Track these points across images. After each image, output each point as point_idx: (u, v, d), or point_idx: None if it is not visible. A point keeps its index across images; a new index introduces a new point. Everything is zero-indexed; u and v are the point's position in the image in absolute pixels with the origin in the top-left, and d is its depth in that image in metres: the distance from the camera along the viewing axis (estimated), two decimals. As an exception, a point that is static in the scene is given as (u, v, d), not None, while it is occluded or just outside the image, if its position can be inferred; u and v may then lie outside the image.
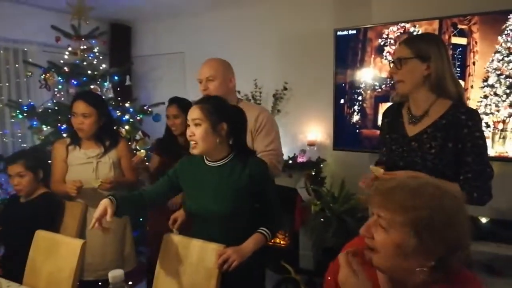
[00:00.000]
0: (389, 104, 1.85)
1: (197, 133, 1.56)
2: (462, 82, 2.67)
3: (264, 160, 1.71)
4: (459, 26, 2.67)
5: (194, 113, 1.58)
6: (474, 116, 1.49)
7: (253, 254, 1.59)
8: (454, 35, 2.69)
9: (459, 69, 2.69)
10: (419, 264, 0.89)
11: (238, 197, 1.59)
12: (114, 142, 2.26)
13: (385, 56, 2.94)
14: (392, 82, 2.85)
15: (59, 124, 3.08)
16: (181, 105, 2.53)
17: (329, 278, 1.18)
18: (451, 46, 2.70)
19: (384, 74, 2.96)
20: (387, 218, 0.92)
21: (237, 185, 1.59)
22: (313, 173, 3.30)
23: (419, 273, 0.89)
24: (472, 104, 2.65)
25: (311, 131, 3.48)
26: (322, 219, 3.04)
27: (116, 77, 3.45)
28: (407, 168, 1.52)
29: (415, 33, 2.81)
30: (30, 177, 2.10)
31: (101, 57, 3.48)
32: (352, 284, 0.94)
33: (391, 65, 1.58)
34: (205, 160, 1.66)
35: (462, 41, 2.67)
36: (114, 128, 2.51)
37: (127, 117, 3.45)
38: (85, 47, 3.29)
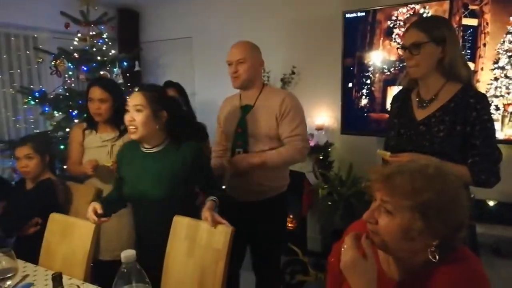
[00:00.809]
0: (397, 87, 1.84)
1: (138, 118, 1.64)
2: (472, 64, 2.64)
3: (197, 144, 1.81)
4: (470, 7, 2.62)
5: (136, 99, 1.65)
6: (483, 99, 1.48)
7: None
8: (465, 16, 2.64)
9: (469, 51, 2.65)
10: (424, 245, 0.91)
11: (173, 181, 1.67)
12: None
13: (394, 39, 2.90)
14: (401, 65, 2.83)
15: (70, 110, 3.13)
16: (179, 88, 2.58)
17: (332, 260, 1.20)
18: (461, 28, 2.66)
19: (393, 57, 2.93)
20: (392, 202, 0.93)
21: (172, 170, 1.67)
22: (321, 157, 3.31)
23: (424, 253, 0.91)
24: (482, 86, 2.62)
25: (319, 115, 3.47)
26: (329, 203, 3.07)
27: (125, 63, 3.47)
28: (415, 152, 1.52)
29: (425, 15, 2.77)
30: (38, 160, 2.13)
31: (110, 43, 3.49)
32: (360, 267, 0.95)
33: (405, 51, 1.54)
34: (141, 147, 1.74)
35: (473, 22, 2.62)
36: None
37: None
38: (94, 33, 3.31)
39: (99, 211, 1.65)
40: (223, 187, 2.12)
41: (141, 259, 1.62)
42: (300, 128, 1.99)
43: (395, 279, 1.01)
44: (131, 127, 1.66)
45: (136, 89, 1.71)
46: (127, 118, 1.66)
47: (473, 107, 1.46)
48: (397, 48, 1.61)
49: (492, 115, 1.52)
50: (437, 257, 0.91)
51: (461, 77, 1.51)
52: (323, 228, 3.26)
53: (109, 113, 2.22)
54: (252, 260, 2.23)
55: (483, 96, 1.51)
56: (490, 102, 2.57)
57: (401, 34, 1.56)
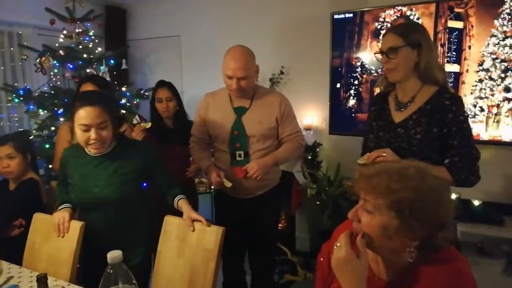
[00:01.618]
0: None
1: (105, 134, 1.59)
2: (457, 66, 2.69)
3: (146, 143, 1.86)
4: (456, 10, 2.66)
5: (97, 117, 1.54)
6: (457, 101, 1.54)
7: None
8: (451, 19, 2.69)
9: (455, 53, 2.69)
10: (404, 245, 0.92)
11: (125, 182, 1.65)
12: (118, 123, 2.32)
13: (381, 40, 2.93)
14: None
15: (55, 108, 3.08)
16: (172, 87, 2.54)
17: (321, 259, 1.21)
18: (447, 30, 2.70)
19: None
20: (371, 201, 0.95)
21: (123, 171, 1.66)
22: (309, 157, 3.32)
23: (405, 253, 0.92)
24: (467, 88, 2.67)
25: (308, 115, 3.49)
26: (318, 202, 3.09)
27: (112, 61, 3.44)
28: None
29: (411, 17, 2.81)
30: (20, 159, 2.08)
31: (96, 41, 3.46)
32: (352, 265, 0.95)
33: (382, 55, 1.59)
34: (86, 151, 1.67)
35: (459, 24, 2.66)
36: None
37: (123, 101, 3.45)
38: (80, 30, 3.27)
39: (66, 223, 1.69)
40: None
41: (91, 263, 1.60)
42: (298, 126, 2.16)
43: (384, 279, 1.02)
44: (96, 143, 1.58)
45: (91, 102, 1.55)
46: (92, 136, 1.56)
47: (449, 109, 1.51)
48: (375, 53, 1.65)
49: (467, 115, 1.57)
50: (414, 257, 0.92)
51: (437, 80, 1.56)
52: (312, 227, 3.28)
53: None
54: (249, 255, 2.29)
55: (458, 98, 1.56)
56: (475, 104, 2.64)
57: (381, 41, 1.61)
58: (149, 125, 2.36)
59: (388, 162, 1.47)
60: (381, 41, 1.63)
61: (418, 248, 0.92)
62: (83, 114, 1.54)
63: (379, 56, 1.62)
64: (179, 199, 1.74)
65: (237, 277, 2.30)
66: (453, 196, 2.64)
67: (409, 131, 1.56)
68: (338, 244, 0.99)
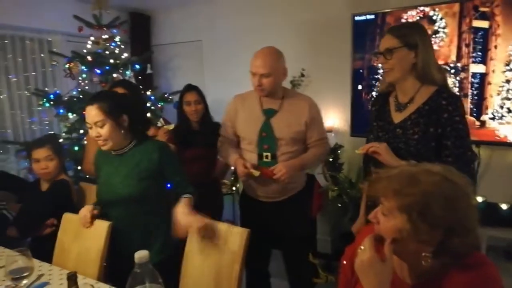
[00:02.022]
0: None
1: (103, 132, 1.66)
2: (483, 67, 2.63)
3: (161, 142, 1.86)
4: (481, 9, 2.60)
5: (94, 116, 1.65)
6: (454, 101, 1.52)
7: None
8: (476, 18, 2.63)
9: (480, 53, 2.63)
10: (420, 249, 0.92)
11: (141, 179, 1.70)
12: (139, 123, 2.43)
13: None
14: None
15: (84, 112, 3.18)
16: (199, 91, 2.59)
17: (344, 262, 1.21)
18: (472, 30, 2.65)
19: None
20: (385, 204, 0.96)
21: (139, 169, 1.71)
22: (331, 159, 3.31)
23: (423, 257, 0.92)
24: (493, 89, 2.60)
25: (329, 117, 3.48)
26: (339, 205, 3.08)
27: (137, 66, 3.52)
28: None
29: (434, 17, 2.77)
30: (57, 161, 2.17)
31: (122, 46, 3.55)
32: (376, 268, 0.95)
33: (379, 56, 1.60)
34: (111, 151, 1.77)
35: (484, 24, 2.60)
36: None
37: (148, 104, 3.53)
38: (106, 36, 3.37)
39: (95, 212, 1.79)
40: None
41: (115, 261, 1.68)
42: (325, 132, 2.19)
43: (408, 283, 1.02)
44: (99, 141, 1.70)
45: (90, 102, 1.69)
46: (93, 133, 1.69)
47: (445, 109, 1.50)
48: (373, 54, 1.66)
49: (464, 116, 1.54)
50: (430, 262, 0.91)
51: (435, 80, 1.55)
52: (333, 230, 3.27)
53: None
54: (285, 265, 2.25)
55: (456, 98, 1.55)
56: (502, 105, 2.58)
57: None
58: (171, 127, 2.42)
59: (380, 154, 1.52)
60: (381, 42, 1.64)
61: (435, 253, 0.92)
62: (86, 113, 1.69)
63: (377, 57, 1.65)
64: (184, 197, 1.73)
65: (261, 280, 2.30)
66: (479, 199, 2.59)
67: (407, 132, 1.56)
68: (362, 247, 0.99)
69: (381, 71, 3.01)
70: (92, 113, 1.66)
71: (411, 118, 1.57)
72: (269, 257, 2.28)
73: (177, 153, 2.50)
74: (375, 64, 3.04)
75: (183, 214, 1.62)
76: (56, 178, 2.19)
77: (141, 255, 1.14)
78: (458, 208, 0.90)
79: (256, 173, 1.96)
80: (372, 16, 3.03)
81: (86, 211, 1.81)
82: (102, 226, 1.77)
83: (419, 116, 1.55)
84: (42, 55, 3.69)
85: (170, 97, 3.72)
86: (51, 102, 3.21)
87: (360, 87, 3.15)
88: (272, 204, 2.09)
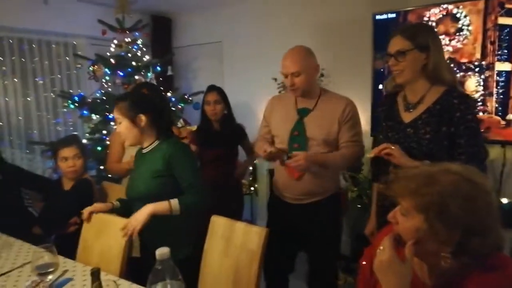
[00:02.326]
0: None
1: (120, 130, 1.78)
2: (509, 65, 2.55)
3: (180, 142, 1.86)
4: (507, 6, 2.53)
5: (115, 114, 1.79)
6: (466, 100, 1.52)
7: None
8: (501, 15, 2.55)
9: (506, 51, 2.56)
10: (439, 249, 0.91)
11: (156, 178, 1.75)
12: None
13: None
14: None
15: (107, 113, 3.26)
16: (221, 92, 2.61)
17: (364, 263, 1.21)
18: (497, 27, 2.57)
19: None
20: (404, 204, 0.96)
21: (155, 167, 1.76)
22: (351, 160, 3.28)
23: (442, 257, 0.91)
24: (520, 87, 2.53)
25: (349, 117, 3.44)
26: (359, 206, 3.05)
27: (158, 68, 3.59)
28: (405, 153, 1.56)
29: (458, 15, 2.71)
30: (83, 160, 2.24)
31: (144, 49, 3.62)
32: (395, 269, 0.94)
33: (390, 58, 1.60)
34: (141, 149, 1.88)
35: (510, 21, 2.53)
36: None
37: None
38: (129, 39, 3.45)
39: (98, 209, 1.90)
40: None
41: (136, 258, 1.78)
42: (359, 136, 2.06)
43: (428, 284, 1.01)
44: (122, 137, 1.83)
45: (114, 101, 1.85)
46: (116, 129, 1.85)
47: (457, 108, 1.49)
48: (383, 55, 1.65)
49: (476, 114, 1.55)
50: (449, 262, 0.90)
51: (445, 81, 1.55)
52: (353, 231, 3.23)
53: None
54: (309, 267, 2.20)
55: (467, 97, 1.56)
56: (529, 103, 2.50)
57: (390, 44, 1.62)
58: (194, 128, 2.45)
59: (394, 156, 1.51)
60: (389, 43, 1.63)
61: (455, 253, 0.90)
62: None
63: (387, 59, 1.62)
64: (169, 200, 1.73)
65: (279, 281, 2.27)
66: (504, 200, 2.52)
67: (418, 131, 1.56)
68: (382, 248, 0.99)
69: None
70: (115, 113, 1.79)
71: (422, 118, 1.56)
72: (294, 259, 2.23)
73: (199, 154, 2.54)
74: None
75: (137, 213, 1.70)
76: (80, 177, 2.25)
77: (162, 251, 1.15)
78: (476, 208, 0.89)
79: (284, 154, 1.94)
80: (394, 15, 2.98)
81: (91, 208, 1.91)
82: (123, 224, 1.80)
83: (430, 115, 1.54)
84: (67, 58, 3.81)
85: (190, 98, 3.76)
86: (76, 104, 3.30)
87: (380, 86, 3.10)
88: (296, 207, 2.06)
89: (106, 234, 1.86)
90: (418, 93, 1.59)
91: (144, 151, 1.84)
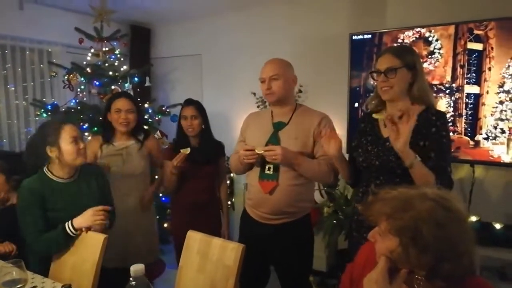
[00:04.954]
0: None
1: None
2: (477, 88, 2.68)
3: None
4: (475, 32, 2.67)
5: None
6: (443, 117, 1.61)
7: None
8: (470, 41, 2.69)
9: (474, 75, 2.69)
10: (413, 272, 0.94)
11: None
12: (145, 136, 2.52)
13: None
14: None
15: (81, 123, 3.19)
16: (199, 106, 2.58)
17: (344, 279, 1.24)
18: (466, 52, 2.71)
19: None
20: (381, 226, 0.98)
21: None
22: (327, 175, 3.32)
23: (415, 280, 0.94)
24: (487, 109, 2.65)
25: (325, 133, 3.50)
26: (334, 221, 3.08)
27: (136, 78, 3.54)
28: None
29: (430, 39, 2.83)
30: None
31: (122, 59, 3.58)
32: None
33: (379, 75, 1.63)
34: None
35: (478, 46, 2.67)
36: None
37: (146, 117, 3.54)
38: (107, 48, 3.40)
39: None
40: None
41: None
42: None
43: None
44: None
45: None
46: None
47: (434, 123, 1.58)
48: (370, 73, 1.71)
49: (448, 133, 1.62)
50: (422, 286, 0.93)
51: (426, 101, 1.62)
52: (328, 247, 3.26)
53: (135, 123, 2.39)
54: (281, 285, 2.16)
55: (443, 114, 1.64)
56: (496, 125, 2.62)
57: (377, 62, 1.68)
58: (188, 150, 2.36)
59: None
60: (377, 61, 1.69)
61: (428, 277, 0.93)
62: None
63: (375, 76, 1.67)
64: None
65: None
66: (473, 218, 2.60)
67: None
68: (378, 266, 1.00)
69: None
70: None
71: None
72: (265, 279, 2.18)
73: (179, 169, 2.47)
74: (371, 83, 3.09)
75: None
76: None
77: (136, 268, 1.15)
78: (449, 235, 0.91)
79: (260, 150, 1.89)
80: (369, 36, 3.09)
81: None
82: (97, 238, 1.76)
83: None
84: (41, 65, 3.71)
85: (167, 110, 3.73)
86: (49, 113, 3.21)
87: (356, 104, 3.19)
88: (268, 227, 2.00)
89: (80, 247, 1.80)
90: (399, 110, 1.63)
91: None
